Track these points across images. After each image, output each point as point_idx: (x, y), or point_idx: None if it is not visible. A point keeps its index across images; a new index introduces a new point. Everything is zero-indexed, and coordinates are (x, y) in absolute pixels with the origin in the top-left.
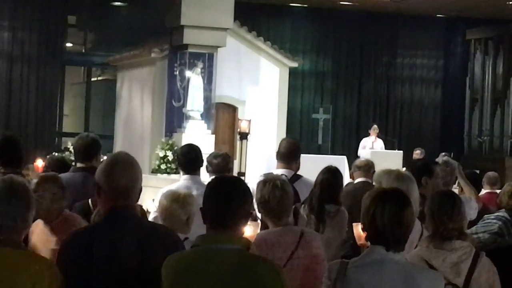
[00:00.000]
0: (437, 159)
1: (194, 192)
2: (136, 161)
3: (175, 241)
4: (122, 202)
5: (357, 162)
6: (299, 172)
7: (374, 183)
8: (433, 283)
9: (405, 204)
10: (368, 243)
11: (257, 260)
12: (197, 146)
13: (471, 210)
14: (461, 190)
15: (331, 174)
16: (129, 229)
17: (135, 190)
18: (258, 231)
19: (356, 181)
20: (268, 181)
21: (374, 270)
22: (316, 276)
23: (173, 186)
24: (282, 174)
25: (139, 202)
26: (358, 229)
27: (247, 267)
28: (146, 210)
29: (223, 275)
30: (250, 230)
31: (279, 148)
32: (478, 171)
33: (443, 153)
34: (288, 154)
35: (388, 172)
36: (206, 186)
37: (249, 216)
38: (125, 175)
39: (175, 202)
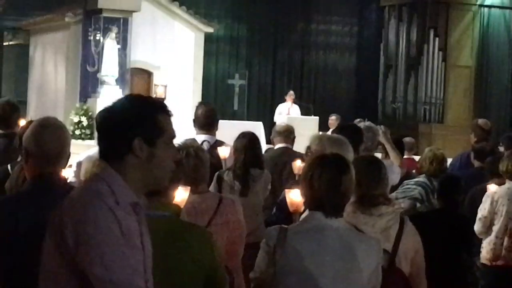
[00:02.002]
0: None
1: None
2: (64, 125)
3: None
4: (51, 167)
5: (277, 127)
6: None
7: (309, 147)
8: (372, 249)
9: (343, 169)
10: (302, 209)
11: (187, 227)
12: None
13: (393, 175)
14: (386, 155)
15: (250, 139)
16: (57, 196)
17: (65, 155)
18: (188, 196)
19: (276, 147)
20: (182, 149)
21: (313, 237)
22: (236, 242)
23: (91, 152)
24: (204, 140)
25: None
26: (290, 195)
27: (177, 235)
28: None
29: (152, 243)
30: (180, 196)
31: (196, 115)
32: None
33: (359, 119)
34: (208, 121)
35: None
36: None
37: (180, 180)
38: (55, 140)
39: None
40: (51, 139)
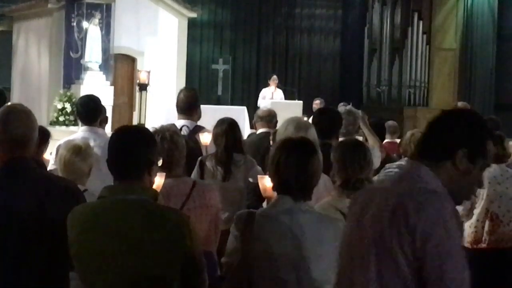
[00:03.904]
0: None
1: (92, 143)
2: (30, 110)
3: (75, 192)
4: (19, 153)
5: (259, 112)
6: (200, 123)
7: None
8: (340, 231)
9: (309, 152)
10: (274, 194)
11: (164, 211)
12: (96, 97)
13: (375, 158)
14: (365, 139)
15: (229, 124)
16: (26, 182)
17: (32, 140)
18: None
19: (259, 131)
20: (157, 132)
21: (282, 220)
22: (210, 227)
23: (70, 137)
24: (183, 125)
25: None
26: (263, 182)
27: (154, 218)
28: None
29: (130, 227)
30: (156, 181)
31: (177, 100)
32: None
33: (342, 103)
34: (187, 106)
35: (288, 121)
36: (110, 137)
37: (154, 164)
38: (21, 125)
39: (76, 154)
40: (18, 124)
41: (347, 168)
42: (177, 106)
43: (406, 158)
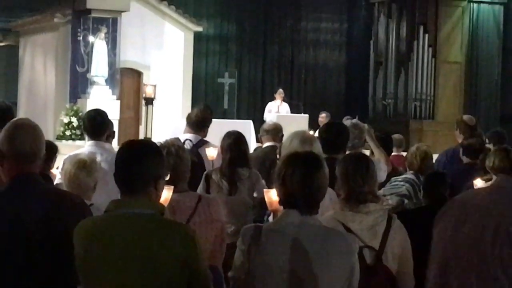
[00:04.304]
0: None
1: (98, 158)
2: (37, 125)
3: (82, 207)
4: (26, 168)
5: (265, 126)
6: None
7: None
8: (347, 247)
9: (315, 166)
10: (281, 208)
11: (171, 225)
12: (103, 112)
13: (381, 172)
14: (372, 152)
15: (235, 138)
16: (33, 196)
17: (39, 155)
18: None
19: (265, 145)
20: (162, 147)
21: (288, 234)
22: (215, 241)
23: (77, 152)
24: (186, 139)
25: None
26: (269, 195)
27: (161, 232)
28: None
29: (136, 241)
30: (164, 194)
31: (191, 115)
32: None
33: (347, 117)
34: (198, 123)
35: (293, 135)
36: (117, 151)
37: (161, 179)
38: (28, 139)
39: (82, 169)
40: (25, 139)
41: (349, 182)
42: (189, 121)
43: (411, 171)
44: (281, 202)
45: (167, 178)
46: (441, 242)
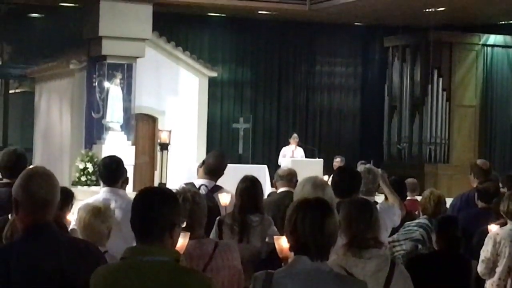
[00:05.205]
0: (358, 168)
1: (113, 205)
2: (53, 173)
3: (97, 255)
4: (40, 216)
5: (280, 171)
6: (221, 182)
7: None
8: None
9: (326, 212)
10: (291, 255)
11: (187, 272)
12: (119, 158)
13: (395, 216)
14: (386, 197)
15: (249, 183)
16: (48, 245)
17: (54, 203)
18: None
19: (279, 190)
20: (179, 193)
21: (299, 280)
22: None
23: (92, 199)
24: (202, 185)
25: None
26: (279, 242)
27: (176, 280)
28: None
29: None
30: (180, 241)
31: (207, 160)
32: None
33: (362, 161)
34: (215, 170)
35: (305, 181)
36: (133, 198)
37: (177, 226)
38: (43, 188)
39: (96, 216)
40: (40, 188)
41: (352, 227)
42: (206, 166)
43: (425, 216)
44: (291, 248)
45: (184, 224)
46: None
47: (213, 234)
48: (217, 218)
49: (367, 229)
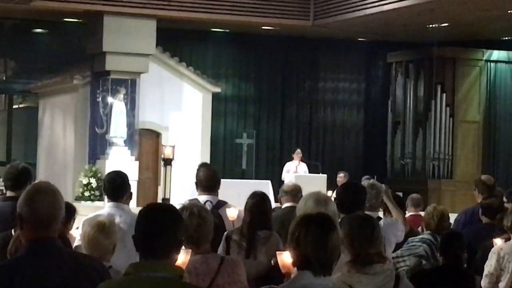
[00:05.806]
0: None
1: (117, 220)
2: (57, 189)
3: (101, 270)
4: (45, 231)
5: (285, 186)
6: (225, 197)
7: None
8: None
9: (328, 228)
10: (294, 270)
11: None
12: (124, 174)
13: (398, 232)
14: (388, 213)
15: (259, 199)
16: (52, 261)
17: (58, 219)
18: (189, 258)
19: (284, 206)
20: (185, 208)
21: None
22: None
23: (96, 213)
24: (207, 201)
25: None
26: (281, 258)
27: None
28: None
29: None
30: (181, 258)
31: (198, 178)
32: (401, 194)
33: (366, 176)
34: (210, 184)
35: (308, 196)
36: (138, 214)
37: (181, 243)
38: (47, 203)
39: (100, 231)
40: (44, 204)
41: (355, 244)
42: (198, 183)
43: (428, 231)
44: (294, 263)
45: (190, 239)
46: None
47: (220, 249)
48: (225, 233)
49: (370, 245)
